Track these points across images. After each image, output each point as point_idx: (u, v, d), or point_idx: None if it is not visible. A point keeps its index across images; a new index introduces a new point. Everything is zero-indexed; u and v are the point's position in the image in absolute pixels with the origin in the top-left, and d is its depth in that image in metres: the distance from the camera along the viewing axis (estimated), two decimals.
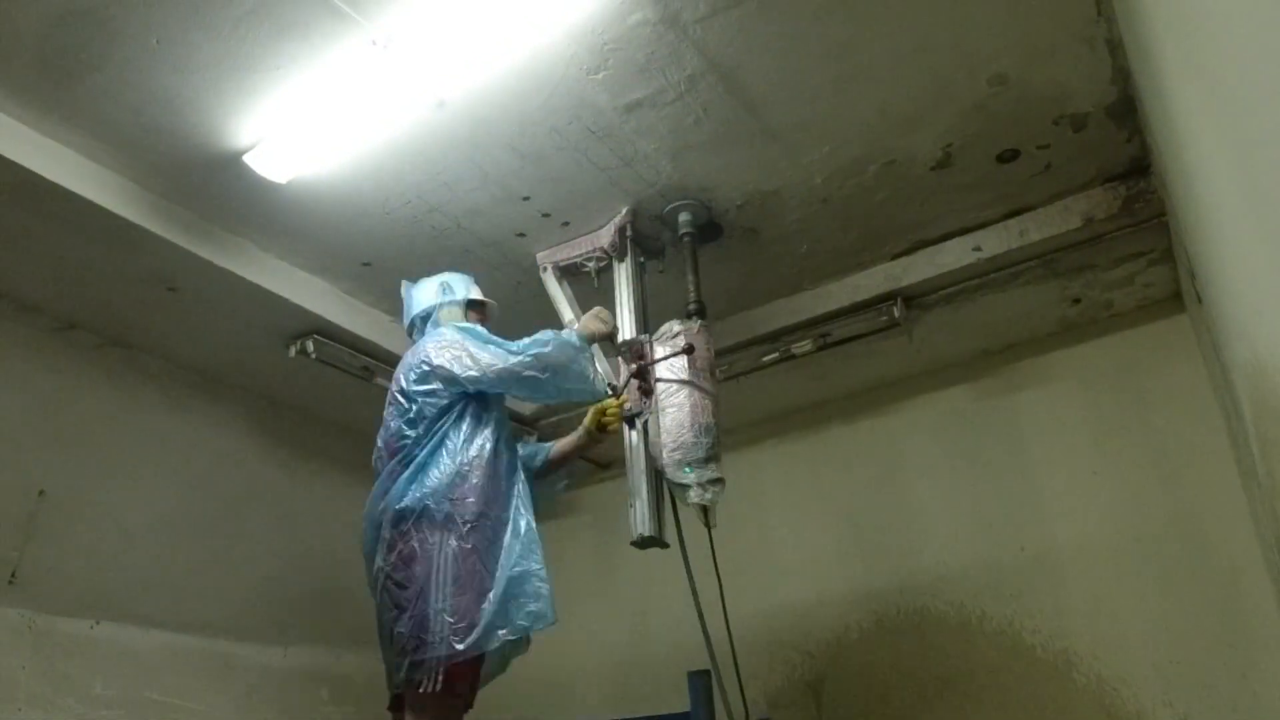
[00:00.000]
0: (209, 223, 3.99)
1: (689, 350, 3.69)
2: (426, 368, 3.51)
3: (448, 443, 3.43)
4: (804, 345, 4.75)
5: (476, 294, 3.87)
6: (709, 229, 4.18)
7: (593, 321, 3.72)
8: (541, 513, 3.55)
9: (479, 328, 3.67)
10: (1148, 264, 4.40)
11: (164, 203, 3.82)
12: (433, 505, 3.28)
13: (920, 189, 4.04)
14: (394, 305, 4.71)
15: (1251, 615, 4.10)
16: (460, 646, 3.06)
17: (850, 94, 3.52)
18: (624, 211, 4.08)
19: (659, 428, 3.67)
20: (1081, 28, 3.25)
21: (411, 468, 3.39)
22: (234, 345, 4.65)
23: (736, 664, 3.43)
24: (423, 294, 3.86)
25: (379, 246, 4.26)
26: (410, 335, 3.89)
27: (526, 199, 4.02)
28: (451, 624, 3.09)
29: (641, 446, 3.75)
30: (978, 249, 4.27)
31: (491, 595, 3.17)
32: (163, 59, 3.18)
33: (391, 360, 4.80)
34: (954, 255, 4.33)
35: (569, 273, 4.25)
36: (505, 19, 3.07)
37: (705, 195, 4.03)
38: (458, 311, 3.81)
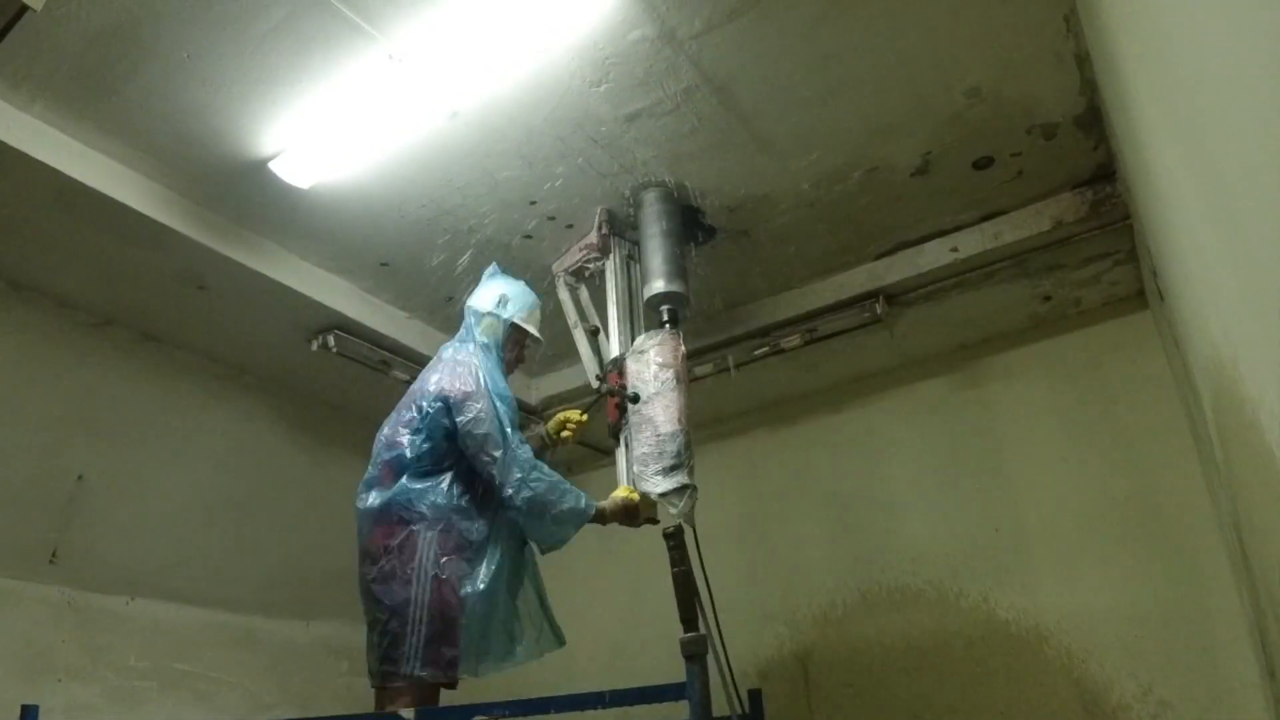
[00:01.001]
0: (237, 225, 3.99)
1: (634, 400, 3.61)
2: (440, 400, 3.39)
3: (456, 478, 3.38)
4: (792, 340, 4.75)
5: (526, 324, 3.72)
6: (702, 230, 4.19)
7: (621, 512, 3.53)
8: None
9: (504, 387, 3.49)
10: (1113, 264, 4.41)
11: (195, 206, 3.82)
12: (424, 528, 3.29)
13: (901, 194, 4.04)
14: (410, 302, 4.75)
15: (1210, 592, 4.12)
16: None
17: (836, 106, 3.52)
18: (600, 210, 4.04)
19: (633, 440, 3.60)
20: (1051, 43, 3.26)
21: (409, 475, 3.36)
22: (260, 340, 4.65)
23: (723, 642, 3.42)
24: (485, 293, 3.72)
25: (396, 247, 4.26)
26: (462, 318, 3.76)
27: (533, 203, 4.02)
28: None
29: (625, 434, 3.72)
30: (955, 250, 4.27)
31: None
32: (194, 73, 3.18)
33: (407, 354, 4.84)
34: (933, 256, 4.33)
35: (579, 276, 4.21)
36: (514, 35, 3.08)
37: (700, 199, 4.03)
38: (498, 327, 3.66)
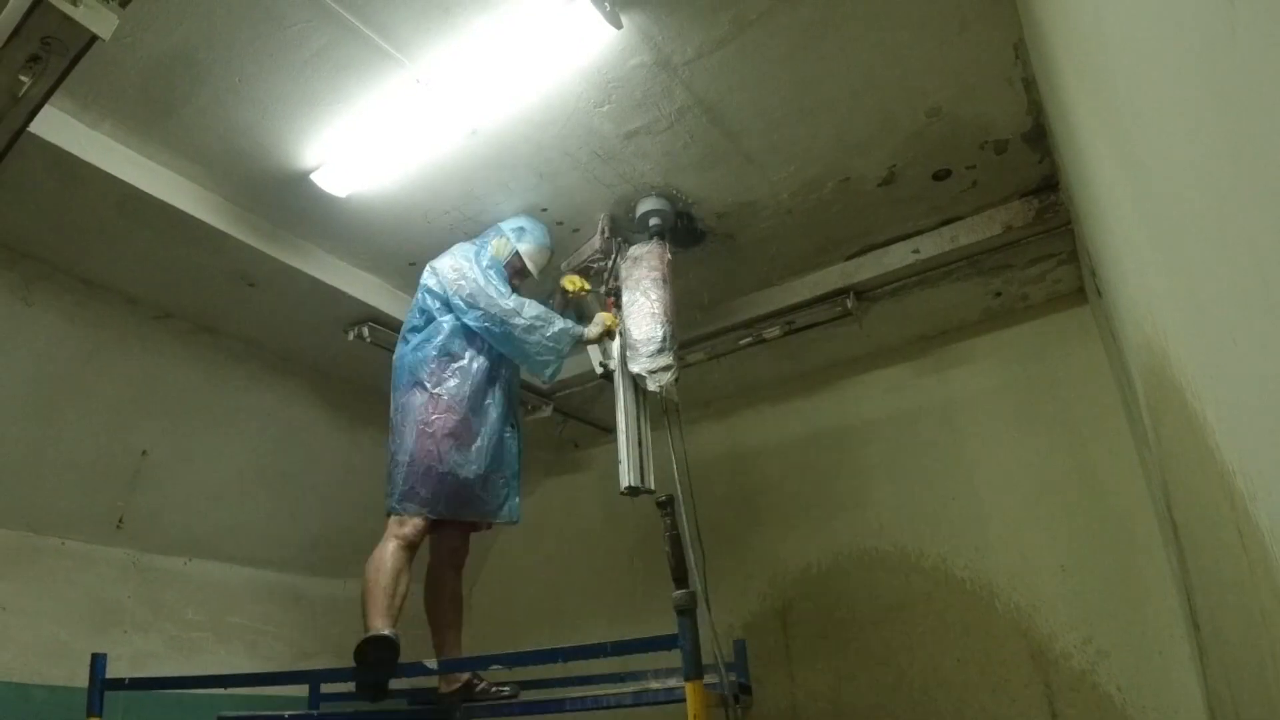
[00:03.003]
0: (282, 229, 3.99)
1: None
2: (432, 274, 3.79)
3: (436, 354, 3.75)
4: (773, 331, 4.75)
5: (527, 258, 3.90)
6: (694, 233, 4.19)
7: (598, 328, 3.84)
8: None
9: (497, 267, 3.78)
10: (1057, 264, 4.42)
11: (244, 213, 3.82)
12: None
13: (869, 202, 4.04)
14: None
15: (1142, 555, 4.13)
16: None
17: (812, 124, 3.52)
18: (603, 216, 4.06)
19: (627, 329, 3.77)
20: (1002, 69, 3.27)
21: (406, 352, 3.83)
22: (302, 331, 4.65)
23: (708, 600, 3.42)
24: (516, 218, 3.96)
25: (422, 249, 4.25)
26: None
27: (544, 210, 4.02)
28: None
29: (626, 412, 3.76)
30: (916, 252, 4.27)
31: None
32: (244, 94, 3.19)
33: None
34: (897, 257, 4.33)
35: (585, 274, 4.21)
36: (527, 62, 3.08)
37: (692, 206, 4.03)
38: (504, 248, 3.88)
